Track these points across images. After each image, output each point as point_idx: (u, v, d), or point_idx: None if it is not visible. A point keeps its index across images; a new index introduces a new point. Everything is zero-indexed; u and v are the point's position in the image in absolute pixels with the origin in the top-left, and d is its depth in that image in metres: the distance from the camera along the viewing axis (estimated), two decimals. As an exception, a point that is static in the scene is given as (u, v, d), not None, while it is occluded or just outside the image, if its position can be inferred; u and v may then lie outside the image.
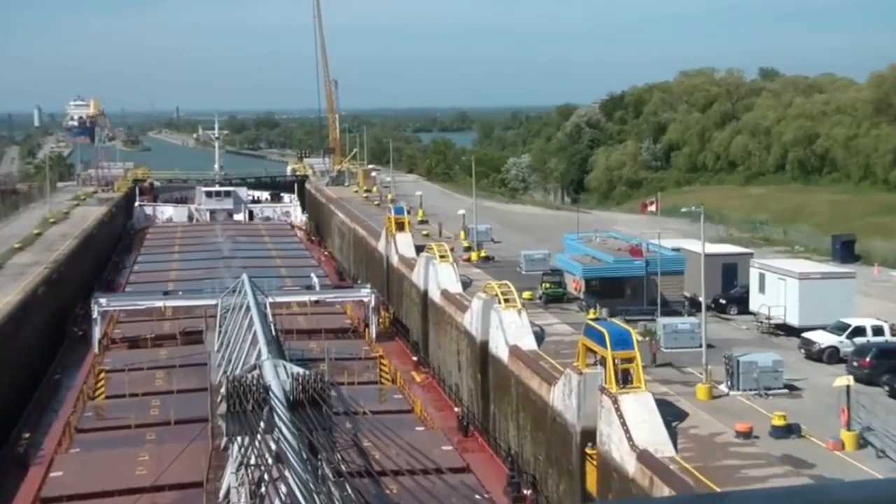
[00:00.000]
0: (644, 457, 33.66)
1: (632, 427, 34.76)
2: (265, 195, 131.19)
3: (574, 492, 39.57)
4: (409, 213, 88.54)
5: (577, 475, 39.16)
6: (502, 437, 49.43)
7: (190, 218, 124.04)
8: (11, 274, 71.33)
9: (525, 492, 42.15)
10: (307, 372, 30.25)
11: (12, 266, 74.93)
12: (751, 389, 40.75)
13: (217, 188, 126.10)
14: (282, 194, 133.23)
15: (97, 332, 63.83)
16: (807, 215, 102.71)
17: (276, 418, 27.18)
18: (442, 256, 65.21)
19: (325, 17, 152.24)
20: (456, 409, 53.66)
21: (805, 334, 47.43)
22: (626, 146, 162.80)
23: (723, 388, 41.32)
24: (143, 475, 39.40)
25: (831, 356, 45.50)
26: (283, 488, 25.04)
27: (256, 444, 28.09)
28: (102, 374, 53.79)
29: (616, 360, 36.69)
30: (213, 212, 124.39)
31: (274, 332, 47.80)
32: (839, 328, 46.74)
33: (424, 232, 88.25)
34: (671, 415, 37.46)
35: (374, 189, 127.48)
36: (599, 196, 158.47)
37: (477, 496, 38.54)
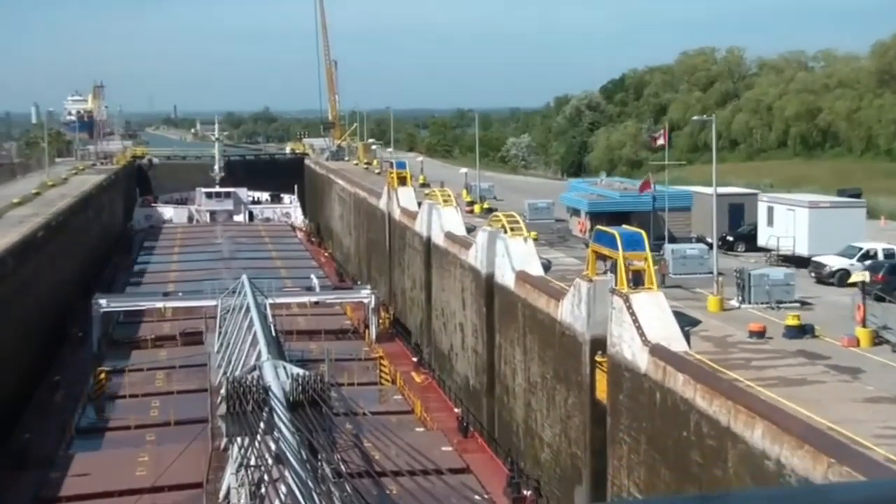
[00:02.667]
0: (657, 350, 33.05)
1: (644, 323, 34.17)
2: (265, 196, 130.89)
3: (583, 403, 38.98)
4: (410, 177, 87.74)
5: (586, 385, 38.59)
6: (508, 364, 48.85)
7: (190, 219, 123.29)
8: (11, 223, 70.77)
9: (525, 492, 41.93)
10: (307, 373, 30.15)
11: (11, 217, 74.38)
12: (762, 303, 40.19)
13: (217, 189, 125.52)
14: (282, 195, 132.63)
15: (97, 333, 63.32)
16: (810, 182, 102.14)
17: (276, 419, 27.13)
18: (445, 200, 64.66)
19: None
20: (456, 410, 53.10)
21: (815, 258, 46.93)
22: (627, 126, 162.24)
23: (733, 302, 40.74)
24: (142, 476, 39.43)
25: (842, 279, 44.88)
26: (282, 489, 25.02)
27: (256, 444, 28.09)
28: (102, 375, 53.49)
29: (627, 262, 36.09)
30: (213, 213, 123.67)
31: (274, 333, 47.65)
32: (850, 252, 46.25)
33: (426, 192, 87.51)
34: (683, 322, 36.76)
35: (375, 162, 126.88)
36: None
37: (477, 497, 38.65)
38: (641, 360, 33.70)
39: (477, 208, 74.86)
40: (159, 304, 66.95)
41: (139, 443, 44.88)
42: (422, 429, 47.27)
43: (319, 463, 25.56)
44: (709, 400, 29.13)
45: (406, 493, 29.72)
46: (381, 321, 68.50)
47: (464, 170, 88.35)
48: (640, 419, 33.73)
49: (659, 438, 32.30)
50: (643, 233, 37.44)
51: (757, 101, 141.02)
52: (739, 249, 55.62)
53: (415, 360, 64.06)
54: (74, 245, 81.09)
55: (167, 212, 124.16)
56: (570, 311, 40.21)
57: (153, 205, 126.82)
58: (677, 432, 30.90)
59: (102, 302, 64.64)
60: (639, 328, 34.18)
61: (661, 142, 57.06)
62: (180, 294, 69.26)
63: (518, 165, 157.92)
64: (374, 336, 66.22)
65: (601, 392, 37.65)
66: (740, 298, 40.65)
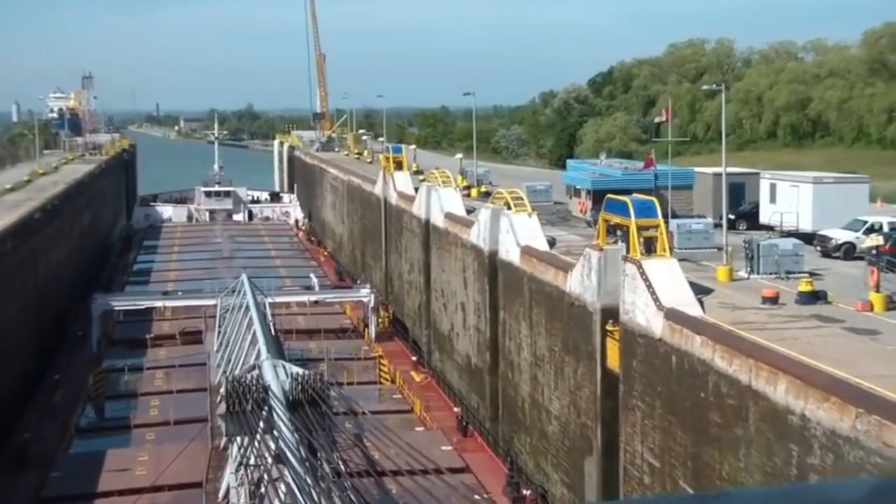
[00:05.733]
0: (672, 314, 32.95)
1: (658, 289, 34.07)
2: (265, 195, 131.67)
3: (593, 372, 38.87)
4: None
5: (596, 354, 38.48)
6: (513, 340, 48.71)
7: (189, 218, 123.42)
8: (5, 207, 70.18)
9: (525, 492, 41.93)
10: (307, 372, 30.27)
11: (4, 202, 73.76)
12: (771, 273, 40.10)
13: (216, 188, 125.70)
14: (281, 194, 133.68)
15: (96, 333, 63.18)
16: (802, 170, 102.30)
17: (276, 418, 27.21)
18: (444, 182, 64.51)
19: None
20: (455, 409, 52.92)
21: (821, 231, 46.95)
22: (616, 119, 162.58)
23: (742, 273, 40.66)
24: (142, 475, 39.56)
25: (848, 252, 44.92)
26: (282, 488, 25.20)
27: (256, 444, 28.21)
28: (101, 375, 53.47)
29: (640, 229, 35.99)
30: (212, 212, 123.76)
31: (273, 333, 47.85)
32: (855, 226, 46.28)
33: (421, 178, 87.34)
34: (694, 291, 36.65)
35: (366, 152, 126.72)
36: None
37: (476, 496, 38.84)
38: (656, 325, 33.59)
39: (474, 192, 74.71)
40: (159, 304, 67.00)
41: (139, 442, 44.99)
42: (421, 428, 47.38)
43: (319, 462, 25.59)
44: (728, 359, 29.04)
45: (406, 493, 29.89)
46: (380, 320, 68.15)
47: (459, 155, 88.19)
48: (655, 385, 33.62)
49: (675, 402, 32.20)
50: (655, 200, 37.36)
51: (746, 91, 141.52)
52: (741, 228, 55.55)
53: (414, 359, 63.58)
54: (71, 206, 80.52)
55: (166, 211, 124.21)
56: (579, 282, 40.09)
57: (152, 204, 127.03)
58: (695, 395, 30.81)
59: (101, 301, 64.43)
60: (653, 294, 34.08)
61: (660, 118, 57.04)
62: (180, 293, 69.10)
63: (509, 156, 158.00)
64: (373, 335, 66.15)
65: (612, 361, 37.55)
66: (749, 269, 40.57)
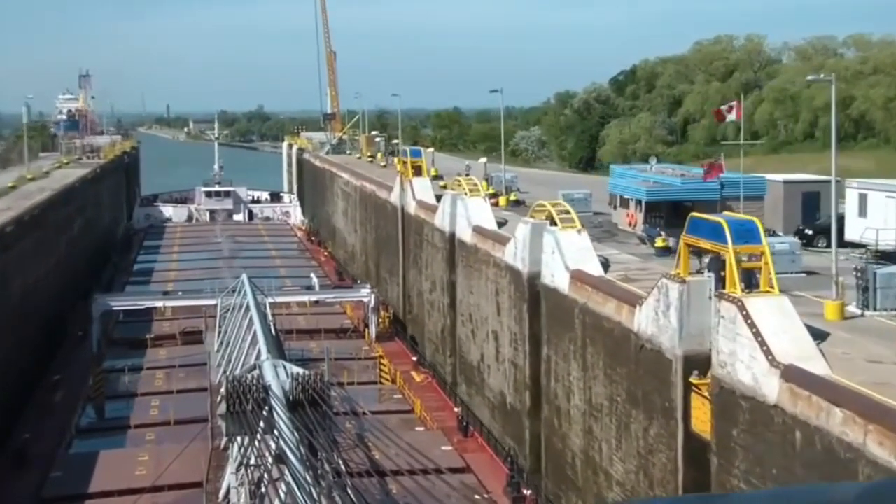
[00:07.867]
0: (793, 373, 25.10)
1: (768, 337, 26.24)
2: (265, 195, 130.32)
3: (672, 434, 31.08)
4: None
5: (676, 413, 30.68)
6: (560, 381, 40.89)
7: (189, 218, 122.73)
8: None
9: (525, 492, 41.02)
10: (307, 372, 30.05)
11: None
12: (891, 309, 32.30)
13: (217, 188, 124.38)
14: (281, 194, 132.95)
15: (96, 333, 62.61)
16: (853, 174, 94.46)
17: (276, 418, 27.14)
18: (471, 190, 56.83)
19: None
20: (456, 410, 52.00)
21: (935, 254, 39.18)
22: (640, 119, 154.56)
23: (852, 308, 32.85)
24: (142, 475, 39.59)
25: (969, 279, 37.07)
26: (282, 488, 25.15)
27: (256, 444, 28.28)
28: (102, 375, 52.56)
29: (739, 258, 28.19)
30: (212, 212, 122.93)
31: (274, 333, 47.51)
32: (975, 247, 38.52)
33: (441, 184, 79.76)
34: (801, 334, 28.86)
35: (379, 155, 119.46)
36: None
37: (477, 496, 38.80)
38: (769, 386, 25.74)
39: (502, 200, 66.98)
40: (159, 304, 66.92)
41: (139, 442, 45.18)
42: (422, 428, 47.42)
43: (319, 462, 25.32)
44: (890, 448, 21.21)
45: (406, 493, 30.01)
46: (380, 320, 67.01)
47: (483, 159, 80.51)
48: (768, 464, 25.79)
49: (800, 491, 24.33)
50: (757, 221, 29.58)
51: (781, 90, 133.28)
52: (820, 245, 47.79)
53: (414, 359, 62.21)
54: (56, 215, 74.76)
55: (167, 210, 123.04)
56: (652, 321, 32.27)
57: (153, 204, 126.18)
58: (833, 486, 22.94)
59: (102, 301, 63.99)
60: (762, 344, 26.25)
61: (731, 116, 49.08)
62: (180, 293, 69.15)
63: (530, 158, 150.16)
64: (373, 335, 65.42)
65: (700, 423, 29.75)
66: (863, 304, 32.75)
